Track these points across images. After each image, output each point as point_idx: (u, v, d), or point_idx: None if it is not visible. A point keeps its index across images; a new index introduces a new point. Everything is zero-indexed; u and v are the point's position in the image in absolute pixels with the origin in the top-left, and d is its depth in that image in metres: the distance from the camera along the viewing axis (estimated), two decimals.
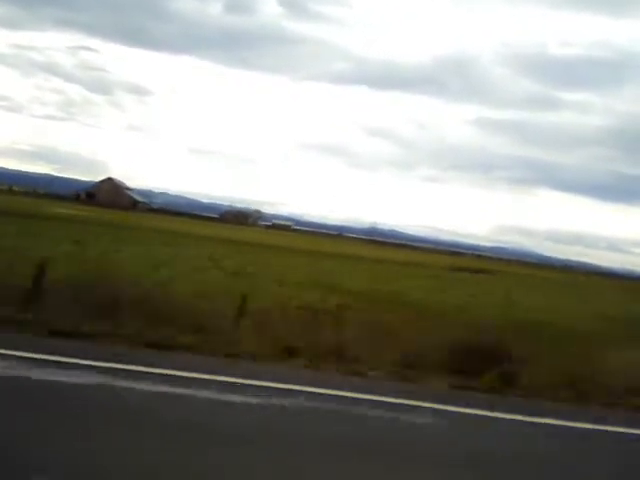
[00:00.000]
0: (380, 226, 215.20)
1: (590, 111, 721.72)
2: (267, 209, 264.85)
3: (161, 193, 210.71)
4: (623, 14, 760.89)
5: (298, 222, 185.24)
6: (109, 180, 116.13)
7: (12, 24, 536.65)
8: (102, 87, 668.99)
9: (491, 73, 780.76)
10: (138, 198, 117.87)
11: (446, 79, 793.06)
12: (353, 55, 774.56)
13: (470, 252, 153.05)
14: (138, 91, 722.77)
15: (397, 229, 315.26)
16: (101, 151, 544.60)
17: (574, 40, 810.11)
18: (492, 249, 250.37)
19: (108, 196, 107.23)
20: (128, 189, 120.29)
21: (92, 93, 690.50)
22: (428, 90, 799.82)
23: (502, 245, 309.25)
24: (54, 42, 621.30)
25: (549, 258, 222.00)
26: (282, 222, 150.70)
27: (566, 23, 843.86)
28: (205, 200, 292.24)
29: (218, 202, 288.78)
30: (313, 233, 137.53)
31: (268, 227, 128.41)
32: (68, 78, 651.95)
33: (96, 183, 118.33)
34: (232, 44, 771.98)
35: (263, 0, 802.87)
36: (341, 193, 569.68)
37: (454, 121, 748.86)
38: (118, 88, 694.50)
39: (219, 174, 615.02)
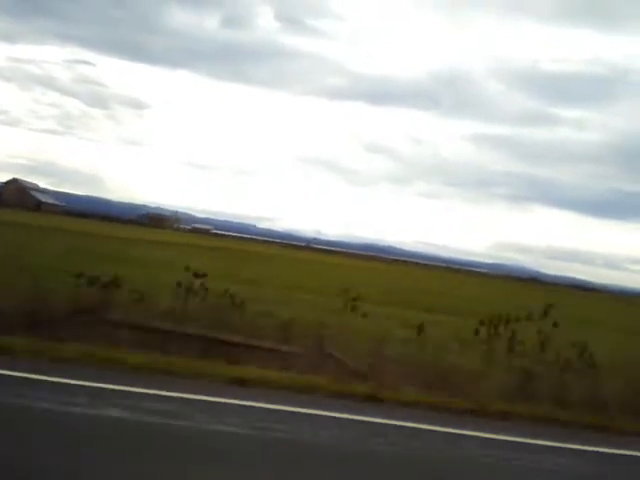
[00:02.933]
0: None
1: (586, 128, 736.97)
2: (264, 224, 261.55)
3: (157, 207, 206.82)
4: (616, 30, 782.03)
5: (293, 237, 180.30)
6: (14, 181, 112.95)
7: (9, 37, 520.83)
8: (99, 101, 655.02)
9: (486, 88, 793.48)
10: (44, 199, 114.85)
11: (441, 94, 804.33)
12: (348, 70, 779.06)
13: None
14: (135, 105, 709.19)
15: (394, 245, 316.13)
16: (98, 165, 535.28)
17: (568, 56, 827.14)
18: (490, 266, 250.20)
19: (12, 197, 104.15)
20: (37, 190, 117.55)
21: (89, 107, 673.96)
22: (423, 105, 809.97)
23: (500, 262, 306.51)
24: (51, 56, 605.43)
25: (545, 275, 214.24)
26: (201, 226, 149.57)
27: (560, 39, 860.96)
28: (200, 215, 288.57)
29: (213, 217, 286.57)
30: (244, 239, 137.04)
31: (190, 231, 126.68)
32: (65, 92, 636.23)
33: (1, 184, 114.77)
34: (229, 58, 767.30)
35: (260, 14, 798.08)
36: (337, 208, 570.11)
37: (450, 137, 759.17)
38: (115, 102, 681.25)
39: (215, 188, 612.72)
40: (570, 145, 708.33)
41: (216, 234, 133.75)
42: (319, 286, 22.31)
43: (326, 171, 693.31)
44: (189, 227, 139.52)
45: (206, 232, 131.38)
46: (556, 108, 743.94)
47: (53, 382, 6.17)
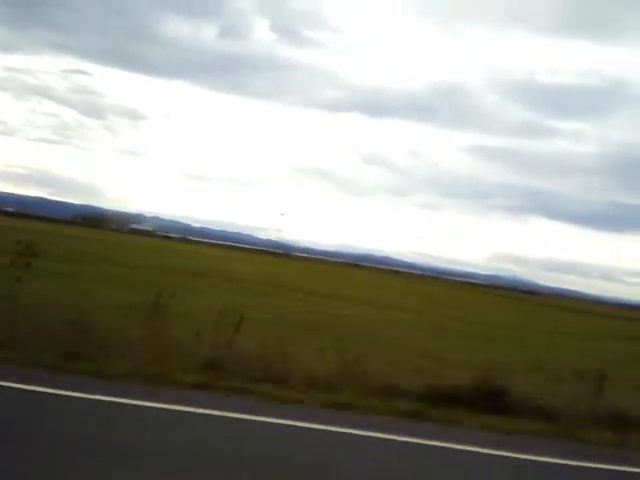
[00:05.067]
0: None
1: (583, 140, 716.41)
2: (261, 234, 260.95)
3: (153, 217, 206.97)
4: (613, 42, 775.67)
5: (293, 248, 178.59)
6: None
7: (5, 47, 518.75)
8: (96, 111, 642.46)
9: (483, 101, 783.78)
10: None
11: (438, 106, 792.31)
12: (345, 82, 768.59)
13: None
14: (132, 115, 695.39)
15: (391, 256, 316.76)
16: (95, 175, 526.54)
17: (564, 68, 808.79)
18: (487, 277, 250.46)
19: None
20: None
21: (86, 117, 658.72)
22: (420, 117, 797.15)
23: (497, 273, 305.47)
24: (47, 65, 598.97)
25: (542, 287, 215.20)
26: (145, 227, 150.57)
27: (556, 51, 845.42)
28: (196, 224, 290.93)
29: (209, 227, 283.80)
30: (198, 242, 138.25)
31: (132, 232, 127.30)
32: (62, 101, 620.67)
33: None
34: (226, 69, 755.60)
35: (256, 26, 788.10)
36: (335, 219, 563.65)
37: (447, 148, 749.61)
38: (112, 112, 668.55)
39: (212, 199, 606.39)
40: (567, 157, 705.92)
41: (164, 236, 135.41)
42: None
43: (323, 182, 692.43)
44: (127, 228, 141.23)
45: (144, 233, 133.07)
46: (553, 120, 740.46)
47: None
